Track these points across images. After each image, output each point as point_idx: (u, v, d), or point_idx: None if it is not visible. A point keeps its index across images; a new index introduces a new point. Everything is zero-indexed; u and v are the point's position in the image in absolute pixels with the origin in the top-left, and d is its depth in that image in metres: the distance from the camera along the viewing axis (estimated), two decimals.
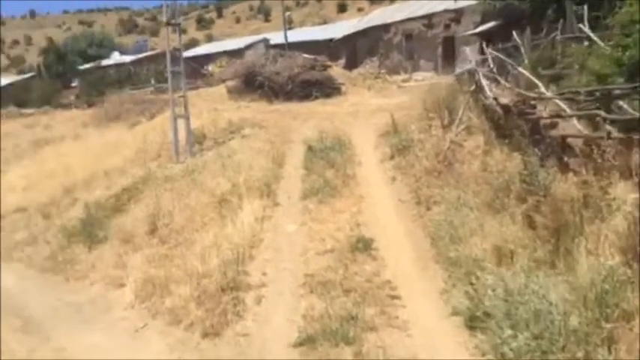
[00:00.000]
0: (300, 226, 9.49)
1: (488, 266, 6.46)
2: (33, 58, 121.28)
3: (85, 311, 8.18)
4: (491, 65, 14.17)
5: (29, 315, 8.23)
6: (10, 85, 59.68)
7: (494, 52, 15.02)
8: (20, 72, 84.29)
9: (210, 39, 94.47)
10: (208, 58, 52.30)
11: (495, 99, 10.56)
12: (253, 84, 28.82)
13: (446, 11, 29.56)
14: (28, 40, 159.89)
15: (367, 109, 20.53)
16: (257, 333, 6.51)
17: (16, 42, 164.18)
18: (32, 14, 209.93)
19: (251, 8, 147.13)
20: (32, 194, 16.49)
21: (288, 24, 56.33)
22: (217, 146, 16.17)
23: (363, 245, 8.27)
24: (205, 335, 6.65)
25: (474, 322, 5.72)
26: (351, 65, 37.51)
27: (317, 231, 9.12)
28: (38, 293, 9.36)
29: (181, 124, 16.05)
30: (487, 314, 5.63)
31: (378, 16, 40.97)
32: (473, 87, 13.06)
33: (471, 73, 14.97)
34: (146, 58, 59.32)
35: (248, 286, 7.54)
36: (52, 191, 15.86)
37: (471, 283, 6.29)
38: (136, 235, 10.30)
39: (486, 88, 11.67)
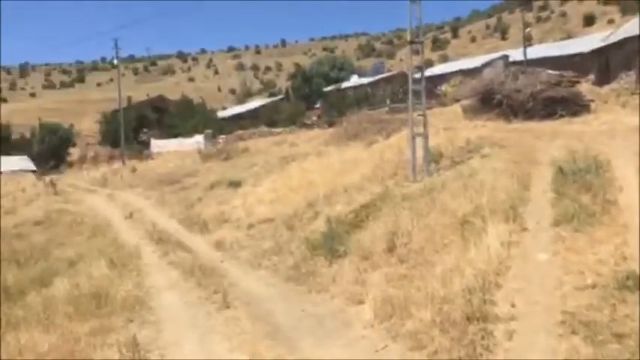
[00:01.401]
0: (553, 256, 8.49)
1: None
2: (282, 82, 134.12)
3: (327, 325, 8.26)
4: None
5: (277, 322, 8.58)
6: (262, 106, 66.38)
7: None
8: (271, 95, 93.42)
9: (444, 59, 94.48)
10: (442, 78, 52.13)
11: None
12: (490, 102, 27.73)
13: None
14: (279, 66, 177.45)
15: (622, 127, 18.23)
16: None
17: (268, 68, 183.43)
18: (283, 43, 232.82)
19: (487, 27, 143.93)
20: (278, 207, 17.74)
21: (528, 41, 53.43)
22: (455, 165, 15.68)
23: (634, 283, 7.04)
24: None
25: None
26: (601, 81, 34.05)
27: (574, 262, 8.05)
28: (284, 301, 9.78)
29: (418, 142, 15.91)
30: None
31: (636, 25, 36.55)
32: None
33: None
34: (382, 79, 61.26)
35: (496, 318, 6.87)
36: (296, 204, 16.85)
37: None
38: (375, 252, 10.27)
39: None
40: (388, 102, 47.94)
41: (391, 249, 10.16)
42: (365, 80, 64.78)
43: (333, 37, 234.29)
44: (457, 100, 36.03)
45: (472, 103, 30.20)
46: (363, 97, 52.65)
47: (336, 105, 52.19)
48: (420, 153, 16.05)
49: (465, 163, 14.97)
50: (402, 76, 54.77)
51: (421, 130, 16.17)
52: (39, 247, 18.70)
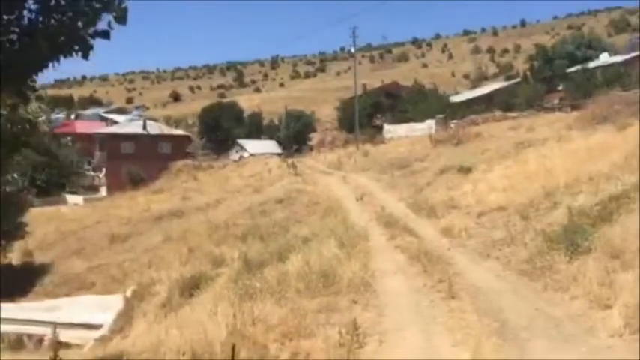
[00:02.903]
0: None
1: None
2: (520, 65, 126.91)
3: (565, 328, 7.30)
4: None
5: (505, 319, 7.87)
6: (497, 90, 63.49)
7: None
8: (508, 78, 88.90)
9: None
10: None
11: None
12: None
13: None
14: (517, 48, 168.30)
15: None
16: None
17: (505, 51, 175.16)
18: (522, 23, 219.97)
19: None
20: (512, 195, 16.58)
21: None
22: None
23: None
24: None
25: None
26: None
27: None
28: (515, 297, 8.98)
29: None
30: None
31: None
32: None
33: None
34: (638, 57, 54.13)
35: None
36: (532, 193, 15.55)
37: None
38: (626, 250, 8.82)
39: None
40: None
41: None
42: (617, 58, 57.73)
43: (581, 14, 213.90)
44: None
45: None
46: (615, 77, 46.88)
47: (582, 86, 47.40)
48: None
49: None
50: None
51: None
52: (279, 224, 20.27)
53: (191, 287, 15.31)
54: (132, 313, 15.36)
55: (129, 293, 16.23)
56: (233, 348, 6.58)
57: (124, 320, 14.98)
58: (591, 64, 57.28)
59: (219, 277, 15.32)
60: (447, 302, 8.87)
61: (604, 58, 60.20)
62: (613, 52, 64.81)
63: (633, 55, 56.19)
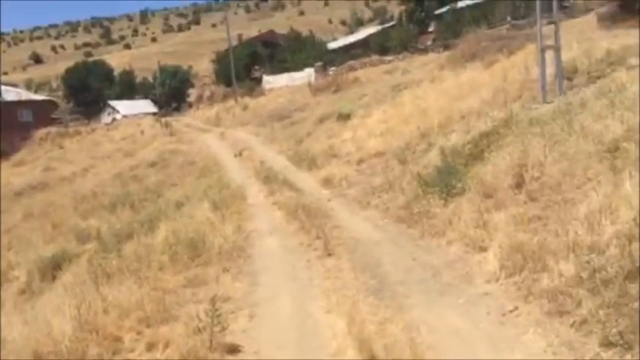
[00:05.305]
0: None
1: None
2: (395, 9, 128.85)
3: (442, 278, 6.94)
4: None
5: (384, 274, 7.40)
6: (372, 34, 63.82)
7: None
8: (383, 22, 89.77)
9: None
10: None
11: None
12: (632, 7, 24.02)
13: None
14: None
15: None
16: None
17: None
18: None
19: None
20: (390, 138, 16.38)
21: None
22: (594, 81, 13.29)
23: None
24: (605, 345, 4.69)
25: None
26: None
27: None
28: (393, 248, 8.58)
29: (548, 57, 13.63)
30: None
31: None
32: None
33: None
34: None
35: None
36: (408, 136, 15.40)
37: None
38: (499, 188, 8.62)
39: None
40: (509, 19, 43.75)
41: (519, 184, 8.47)
42: None
43: None
44: (589, 11, 31.93)
45: (609, 10, 26.37)
46: (481, 16, 48.38)
47: (452, 27, 48.56)
48: (550, 70, 13.78)
49: (608, 77, 12.53)
50: None
51: (551, 42, 13.83)
52: (152, 190, 18.91)
53: (53, 269, 13.78)
54: None
55: None
56: None
57: None
58: (460, 4, 58.82)
59: (85, 254, 13.91)
60: (323, 261, 8.30)
61: None
62: None
63: None
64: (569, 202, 7.26)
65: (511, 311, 5.75)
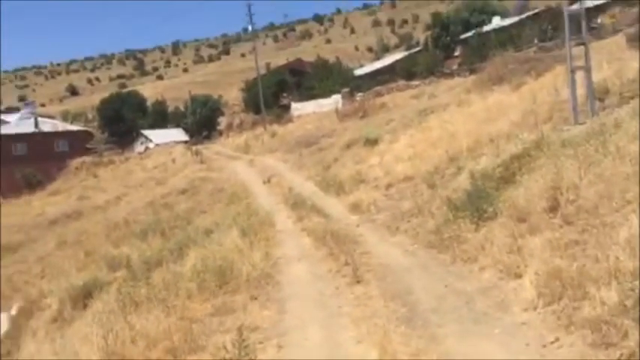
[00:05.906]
0: None
1: None
2: (420, 34, 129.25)
3: (476, 306, 6.71)
4: None
5: (415, 301, 7.21)
6: (398, 60, 63.99)
7: None
8: (409, 48, 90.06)
9: None
10: (597, 10, 46.49)
11: None
12: None
13: None
14: (415, 18, 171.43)
15: None
16: None
17: (405, 21, 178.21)
18: None
19: None
20: (418, 163, 16.23)
21: None
22: (626, 102, 12.99)
23: None
24: None
25: None
26: None
27: None
28: (424, 274, 8.38)
29: (578, 78, 13.40)
30: None
31: None
32: None
33: None
34: (528, 18, 56.20)
35: None
36: (437, 160, 15.24)
37: None
38: (532, 212, 8.38)
39: None
40: (536, 41, 43.44)
41: (554, 208, 8.22)
42: (508, 21, 59.58)
43: None
44: (617, 32, 31.45)
45: (638, 30, 25.94)
46: (507, 39, 48.22)
47: (477, 50, 48.45)
48: (580, 91, 13.53)
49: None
50: (550, 12, 49.33)
51: (580, 63, 13.60)
52: (182, 217, 19.01)
53: (85, 297, 13.87)
54: (19, 334, 13.80)
55: (14, 311, 14.60)
56: None
57: (10, 342, 13.43)
58: (485, 28, 58.78)
59: (115, 283, 13.97)
60: (352, 288, 8.14)
61: (496, 22, 61.92)
62: (504, 15, 66.82)
63: (522, 17, 58.15)
64: (608, 225, 6.98)
65: (552, 342, 5.46)
